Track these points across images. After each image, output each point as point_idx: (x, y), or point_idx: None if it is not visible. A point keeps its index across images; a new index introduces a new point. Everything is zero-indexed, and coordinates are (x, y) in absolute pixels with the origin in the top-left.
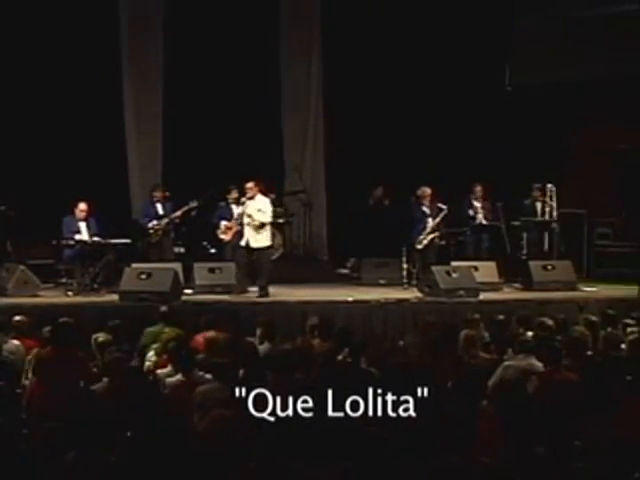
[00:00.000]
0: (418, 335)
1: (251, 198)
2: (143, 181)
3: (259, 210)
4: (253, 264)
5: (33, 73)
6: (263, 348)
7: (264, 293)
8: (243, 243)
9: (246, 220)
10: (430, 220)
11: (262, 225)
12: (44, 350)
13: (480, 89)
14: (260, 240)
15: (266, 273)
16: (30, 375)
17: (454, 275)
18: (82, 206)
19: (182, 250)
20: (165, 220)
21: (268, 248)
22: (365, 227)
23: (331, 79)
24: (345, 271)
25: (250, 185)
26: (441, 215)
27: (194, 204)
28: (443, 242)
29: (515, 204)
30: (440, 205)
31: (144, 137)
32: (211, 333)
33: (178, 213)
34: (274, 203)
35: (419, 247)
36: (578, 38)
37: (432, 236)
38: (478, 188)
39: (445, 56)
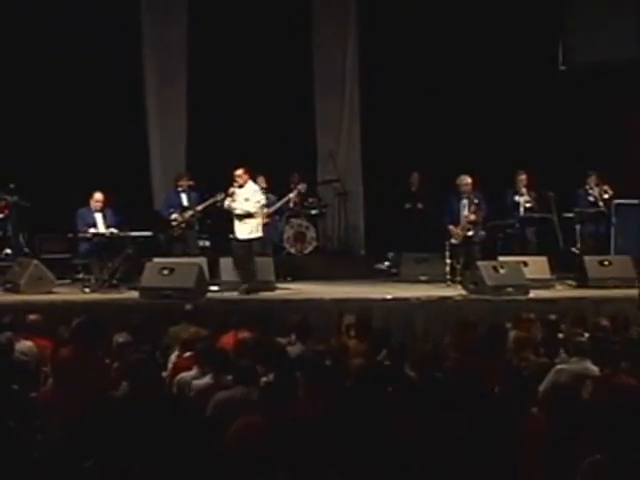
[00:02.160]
0: (459, 336)
1: (241, 186)
2: (166, 169)
3: (246, 199)
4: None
5: (49, 58)
6: (294, 350)
7: (247, 290)
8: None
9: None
10: (467, 212)
11: (248, 215)
12: (63, 351)
13: (530, 69)
14: (243, 231)
15: (247, 268)
16: (50, 379)
17: (501, 271)
18: (98, 196)
19: (207, 244)
20: (190, 212)
21: (254, 240)
22: (405, 219)
23: (368, 62)
24: (383, 266)
25: (239, 172)
26: (477, 206)
27: (220, 197)
28: (482, 233)
29: (568, 193)
30: (476, 196)
31: (167, 122)
32: (239, 333)
33: (203, 205)
34: (307, 193)
35: (454, 241)
36: (637, 14)
37: (469, 229)
38: (522, 176)
39: (492, 34)
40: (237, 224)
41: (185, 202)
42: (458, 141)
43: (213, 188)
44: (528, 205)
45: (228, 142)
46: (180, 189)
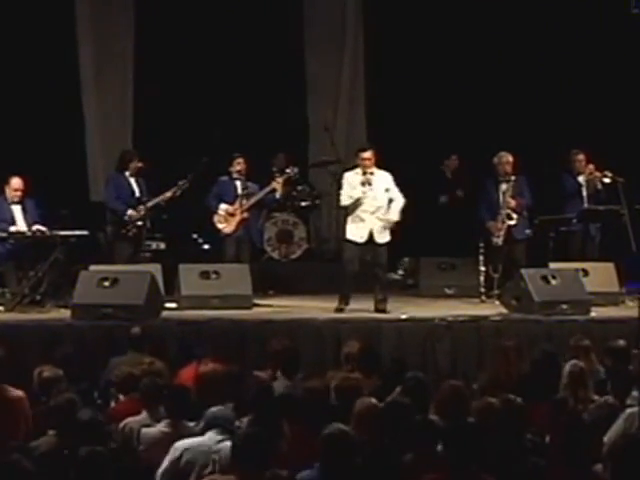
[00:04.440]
0: (497, 369)
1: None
2: (106, 148)
3: None
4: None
5: None
6: (278, 387)
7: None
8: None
9: None
10: (510, 200)
11: None
12: None
13: (593, 12)
14: None
15: None
16: None
17: (554, 282)
18: (16, 183)
19: (162, 246)
20: (145, 207)
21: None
22: (430, 213)
23: (376, 4)
24: (396, 276)
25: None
26: (513, 188)
27: (185, 185)
28: (527, 231)
29: None
30: (519, 181)
31: (107, 86)
32: (204, 365)
33: (167, 195)
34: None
35: (497, 241)
36: None
37: (510, 217)
38: (580, 157)
39: None
40: None
41: (137, 191)
42: (496, 111)
43: (168, 171)
44: (586, 194)
45: (189, 113)
46: (128, 173)
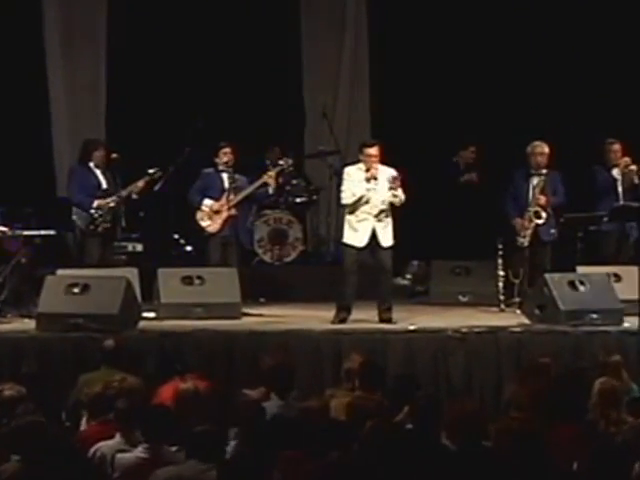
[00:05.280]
0: (519, 386)
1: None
2: (76, 139)
3: None
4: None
5: None
6: (271, 407)
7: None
8: None
9: None
10: (540, 196)
11: None
12: None
13: None
14: None
15: None
16: None
17: (582, 288)
18: None
19: (138, 247)
20: (114, 198)
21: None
22: (442, 210)
23: None
24: (404, 281)
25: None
26: (544, 183)
27: (157, 173)
28: (552, 231)
29: None
30: (552, 177)
31: (76, 65)
32: (187, 382)
33: (139, 185)
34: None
35: (523, 242)
36: None
37: (539, 215)
38: (616, 147)
39: None
40: None
41: (104, 183)
42: (518, 98)
43: (146, 166)
44: (621, 189)
45: (171, 98)
46: (93, 164)
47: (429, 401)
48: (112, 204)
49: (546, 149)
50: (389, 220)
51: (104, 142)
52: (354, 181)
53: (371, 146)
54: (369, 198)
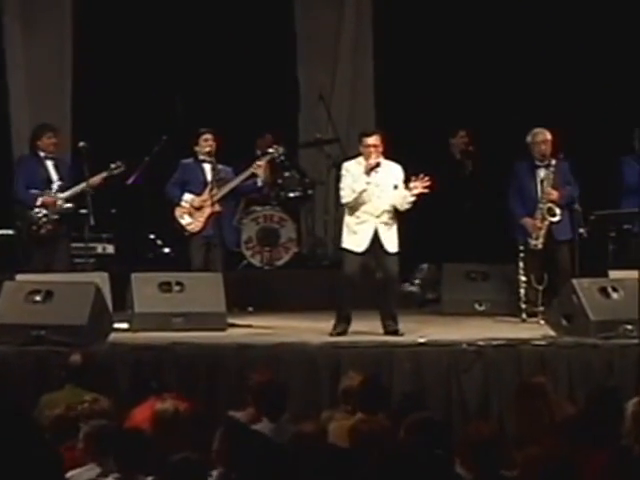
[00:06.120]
0: (544, 408)
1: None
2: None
3: None
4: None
5: None
6: (261, 430)
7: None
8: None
9: None
10: (552, 191)
11: None
12: None
13: None
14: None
15: None
16: None
17: (615, 296)
18: None
19: (109, 249)
20: (64, 195)
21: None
22: (454, 207)
23: None
24: (412, 288)
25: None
26: (554, 175)
27: (118, 168)
28: (582, 231)
29: None
30: (560, 166)
31: (39, 41)
32: (164, 402)
33: (94, 181)
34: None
35: (537, 244)
36: None
37: (553, 213)
38: None
39: None
40: None
41: (54, 177)
42: (531, 78)
43: (117, 155)
44: None
45: (146, 78)
46: (43, 154)
47: (440, 425)
48: (60, 202)
49: (548, 136)
50: (394, 223)
51: (53, 127)
52: (354, 176)
53: (369, 135)
54: (371, 195)
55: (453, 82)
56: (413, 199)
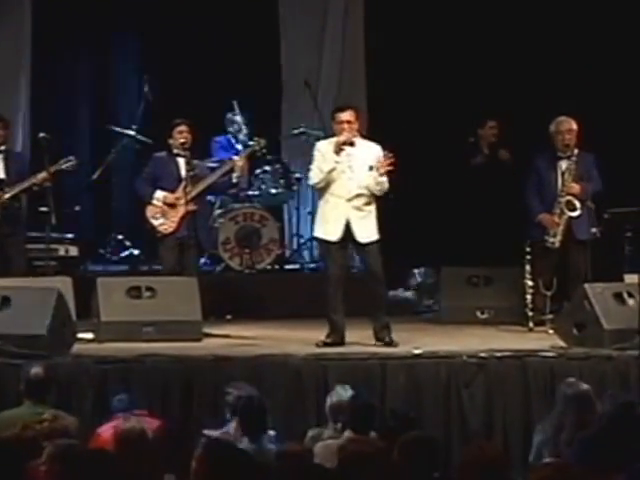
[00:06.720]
0: (555, 426)
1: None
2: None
3: None
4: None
5: None
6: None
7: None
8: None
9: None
10: (573, 184)
11: None
12: None
13: None
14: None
15: None
16: None
17: (631, 302)
18: None
19: (72, 251)
20: (13, 190)
21: None
22: (454, 205)
23: None
24: (407, 294)
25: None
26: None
27: (69, 163)
28: (593, 230)
29: None
30: (584, 159)
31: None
32: (133, 421)
33: (40, 177)
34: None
35: (554, 241)
36: None
37: (572, 207)
38: None
39: None
40: None
41: (1, 172)
42: (545, 66)
43: (82, 147)
44: None
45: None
46: None
47: (438, 446)
48: (4, 199)
49: (574, 125)
50: (370, 209)
51: (2, 117)
52: (325, 156)
53: (344, 110)
54: (340, 175)
55: (450, 67)
56: (383, 179)
